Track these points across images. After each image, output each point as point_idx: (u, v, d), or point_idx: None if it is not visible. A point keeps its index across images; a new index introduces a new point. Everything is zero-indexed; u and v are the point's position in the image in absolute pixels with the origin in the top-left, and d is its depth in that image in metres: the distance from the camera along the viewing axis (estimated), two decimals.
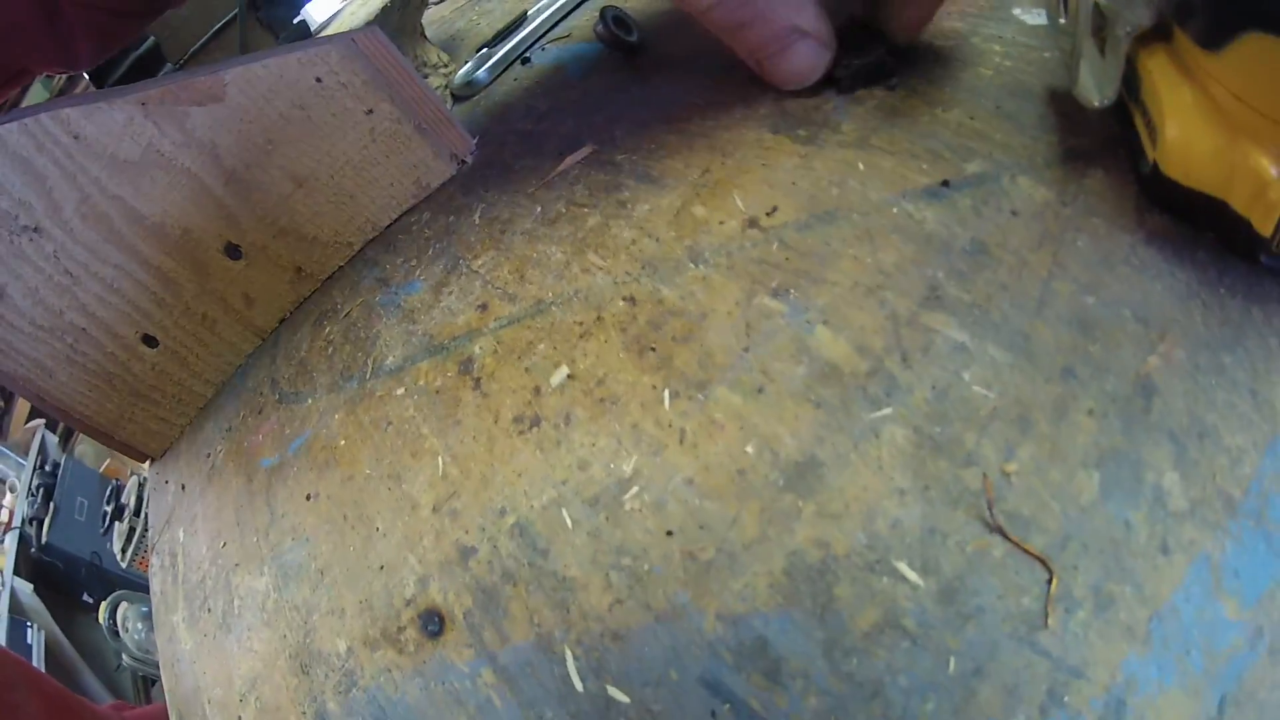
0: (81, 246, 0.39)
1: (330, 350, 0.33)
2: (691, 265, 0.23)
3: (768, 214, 0.23)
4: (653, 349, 0.22)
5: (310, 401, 0.32)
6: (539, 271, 0.26)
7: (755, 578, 0.17)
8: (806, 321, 0.20)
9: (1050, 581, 0.16)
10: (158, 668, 1.28)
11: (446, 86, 0.48)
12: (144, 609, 1.27)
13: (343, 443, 0.28)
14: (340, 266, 0.39)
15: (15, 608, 1.43)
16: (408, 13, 0.50)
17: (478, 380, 0.25)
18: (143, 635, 1.22)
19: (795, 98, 0.27)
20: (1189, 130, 0.18)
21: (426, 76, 0.50)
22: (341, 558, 0.25)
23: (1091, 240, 0.20)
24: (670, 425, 0.20)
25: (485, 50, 0.48)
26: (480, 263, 0.29)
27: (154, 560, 0.40)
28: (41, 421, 2.00)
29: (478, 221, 0.32)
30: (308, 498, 0.28)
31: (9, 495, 1.78)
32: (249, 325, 0.41)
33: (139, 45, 0.54)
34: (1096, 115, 0.21)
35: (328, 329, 0.34)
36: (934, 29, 0.28)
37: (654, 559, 0.19)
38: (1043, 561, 0.16)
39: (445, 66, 0.51)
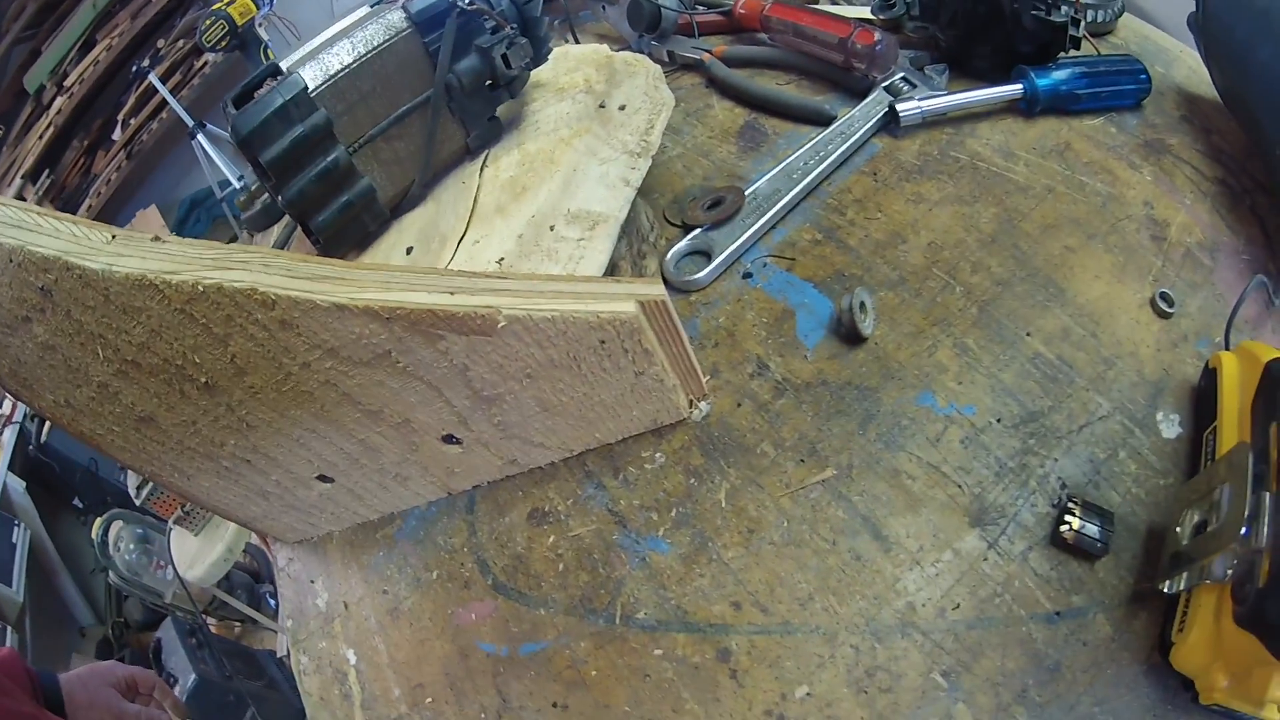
0: (266, 408, 0.36)
1: (562, 567, 0.39)
2: (899, 637, 0.34)
3: (953, 608, 0.34)
4: (865, 691, 0.33)
5: (543, 612, 0.38)
6: (787, 593, 0.36)
7: None
8: (955, 698, 0.33)
9: None
10: (144, 590, 1.34)
11: (659, 271, 0.50)
12: (138, 531, 1.25)
13: (594, 673, 0.36)
14: (552, 461, 0.42)
15: (4, 504, 1.42)
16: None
17: (734, 671, 0.34)
18: (134, 557, 1.24)
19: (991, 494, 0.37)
20: (1200, 657, 0.30)
21: (644, 256, 0.49)
22: None
23: (1116, 671, 0.33)
24: None
25: (699, 235, 0.50)
26: (731, 556, 0.37)
27: (304, 659, 0.44)
28: None
29: (724, 504, 0.39)
30: (554, 705, 0.36)
31: None
32: (443, 485, 0.43)
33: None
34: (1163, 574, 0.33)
35: (551, 538, 0.40)
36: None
37: None
38: None
39: (652, 231, 0.51)
